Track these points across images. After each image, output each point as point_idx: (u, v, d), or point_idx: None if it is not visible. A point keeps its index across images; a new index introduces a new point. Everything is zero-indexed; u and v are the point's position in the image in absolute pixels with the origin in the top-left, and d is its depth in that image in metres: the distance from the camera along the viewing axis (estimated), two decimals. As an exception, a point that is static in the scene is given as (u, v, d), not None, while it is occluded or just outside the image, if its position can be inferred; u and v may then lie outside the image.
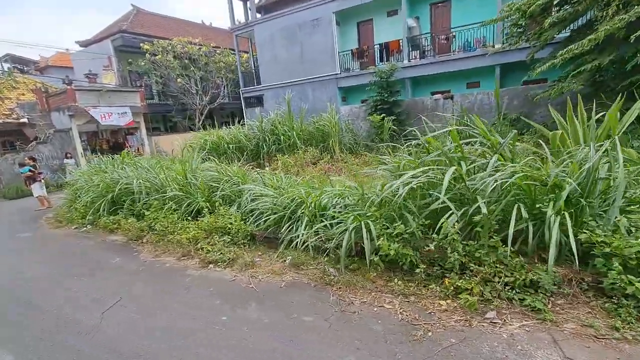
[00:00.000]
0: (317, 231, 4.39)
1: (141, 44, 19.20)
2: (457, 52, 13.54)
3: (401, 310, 3.26)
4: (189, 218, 6.03)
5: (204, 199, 6.11)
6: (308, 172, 8.46)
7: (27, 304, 4.29)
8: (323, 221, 4.43)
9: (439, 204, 3.51)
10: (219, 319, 3.47)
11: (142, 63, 19.19)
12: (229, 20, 19.84)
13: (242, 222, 5.28)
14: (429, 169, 3.80)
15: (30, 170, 11.09)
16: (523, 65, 12.52)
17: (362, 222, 3.82)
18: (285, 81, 17.58)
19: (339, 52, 15.89)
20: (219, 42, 24.46)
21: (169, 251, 5.46)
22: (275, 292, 3.91)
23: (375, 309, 3.34)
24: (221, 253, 4.82)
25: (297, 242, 4.49)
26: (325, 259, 4.26)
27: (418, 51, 14.31)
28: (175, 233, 5.52)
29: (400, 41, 14.41)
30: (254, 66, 20.15)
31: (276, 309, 3.53)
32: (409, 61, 14.27)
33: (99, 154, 19.54)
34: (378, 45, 15.10)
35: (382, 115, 12.81)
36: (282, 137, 12.15)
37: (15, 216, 10.33)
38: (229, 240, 5.10)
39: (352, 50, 15.77)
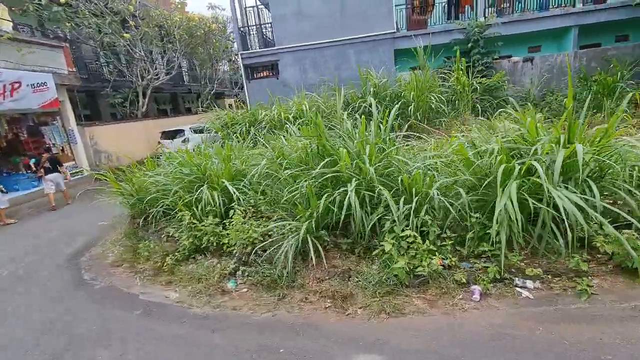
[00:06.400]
0: None
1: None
2: (527, 12, 12.77)
3: None
4: None
5: None
6: None
7: None
8: None
9: None
10: None
11: (62, 1, 10.90)
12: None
13: None
14: None
15: None
16: (600, 27, 12.71)
17: None
18: (314, 42, 13.18)
19: (395, 6, 12.84)
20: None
21: None
22: None
23: None
24: None
25: None
26: None
27: (493, 8, 12.86)
28: None
29: (476, -6, 12.66)
30: (248, 24, 14.52)
31: None
32: (485, 18, 12.65)
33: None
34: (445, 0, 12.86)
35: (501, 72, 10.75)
36: (412, 106, 8.51)
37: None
38: None
39: (412, 2, 12.97)
